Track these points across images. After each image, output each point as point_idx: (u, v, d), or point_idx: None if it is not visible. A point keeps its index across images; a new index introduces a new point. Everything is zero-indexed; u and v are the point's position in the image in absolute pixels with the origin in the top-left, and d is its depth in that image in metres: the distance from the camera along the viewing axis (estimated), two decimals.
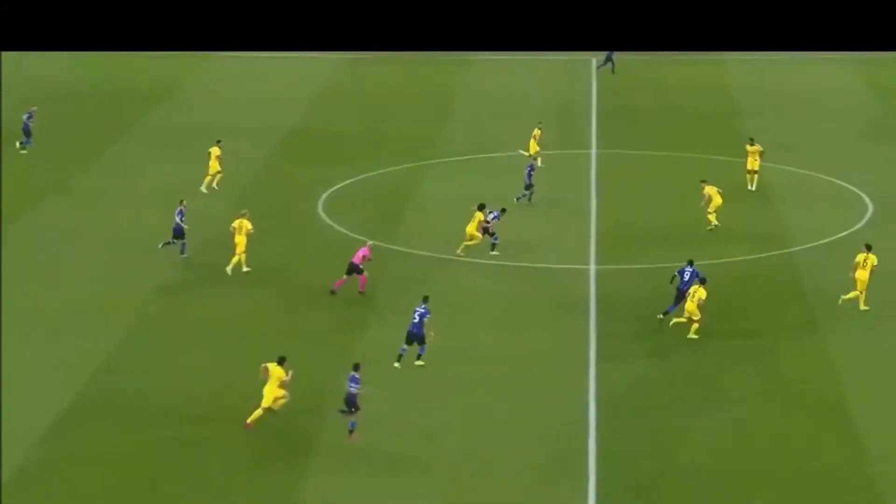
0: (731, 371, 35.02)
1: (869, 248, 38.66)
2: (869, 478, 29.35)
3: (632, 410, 32.79)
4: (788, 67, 73.07)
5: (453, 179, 52.66)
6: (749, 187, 50.52)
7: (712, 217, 45.80)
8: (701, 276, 37.60)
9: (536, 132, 53.35)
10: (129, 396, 33.32)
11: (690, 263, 38.40)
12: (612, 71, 71.36)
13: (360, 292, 39.77)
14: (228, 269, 41.38)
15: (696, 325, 36.18)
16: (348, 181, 52.22)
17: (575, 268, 42.44)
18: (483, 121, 62.34)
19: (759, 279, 41.63)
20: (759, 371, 34.94)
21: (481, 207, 43.46)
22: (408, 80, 71.67)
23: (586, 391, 33.79)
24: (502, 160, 55.68)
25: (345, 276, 39.89)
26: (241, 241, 41.50)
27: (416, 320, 34.87)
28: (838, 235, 45.52)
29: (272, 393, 31.36)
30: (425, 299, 35.50)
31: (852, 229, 46.14)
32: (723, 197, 46.11)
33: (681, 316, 37.17)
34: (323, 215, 48.47)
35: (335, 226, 47.12)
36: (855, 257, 38.47)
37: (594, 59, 76.41)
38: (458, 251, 43.02)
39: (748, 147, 51.26)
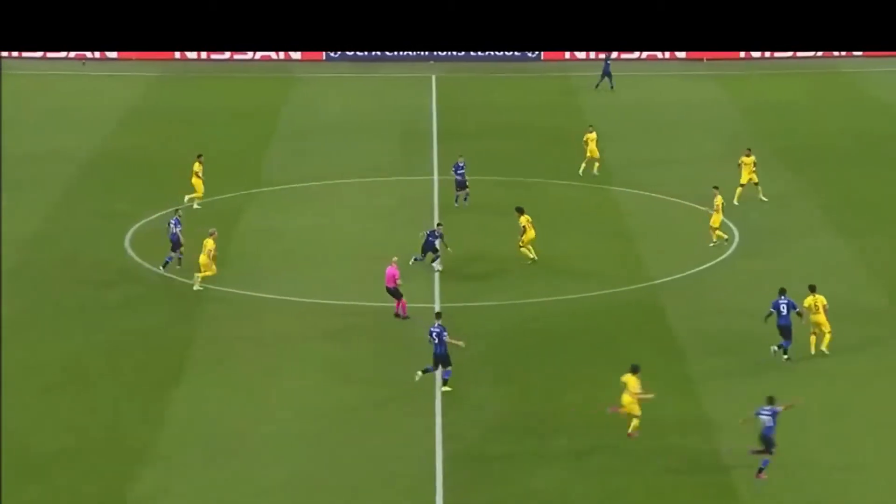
0: (589, 412, 34.47)
1: (813, 290, 38.37)
2: None
3: (478, 462, 32.01)
4: (646, 83, 73.74)
5: (280, 208, 51.54)
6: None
7: (719, 233, 46.76)
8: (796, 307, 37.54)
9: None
10: None
11: (783, 293, 37.85)
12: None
13: (403, 316, 40.56)
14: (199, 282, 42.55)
15: (636, 422, 33.70)
16: (160, 212, 50.65)
17: (418, 306, 41.58)
18: (312, 143, 61.44)
19: (619, 313, 41.30)
20: (614, 417, 34.42)
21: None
22: (228, 98, 70.85)
23: (433, 444, 32.91)
24: (334, 186, 54.83)
25: (396, 302, 40.71)
26: (203, 260, 42.62)
27: (437, 341, 35.35)
28: (705, 266, 45.52)
29: None
30: (438, 315, 36.34)
31: (719, 259, 46.21)
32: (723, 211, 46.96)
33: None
34: (130, 251, 46.91)
35: (143, 263, 45.60)
36: (804, 302, 38.10)
37: (433, 75, 76.43)
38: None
39: (744, 158, 51.93)
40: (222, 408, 35.00)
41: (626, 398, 33.45)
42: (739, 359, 37.86)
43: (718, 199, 47.24)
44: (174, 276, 43.99)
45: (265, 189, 53.50)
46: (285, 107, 69.19)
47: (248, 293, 43.03)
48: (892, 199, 52.76)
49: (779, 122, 64.46)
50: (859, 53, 79.70)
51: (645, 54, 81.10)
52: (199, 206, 51.18)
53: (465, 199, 51.48)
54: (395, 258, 41.59)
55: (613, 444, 33.00)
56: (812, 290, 38.40)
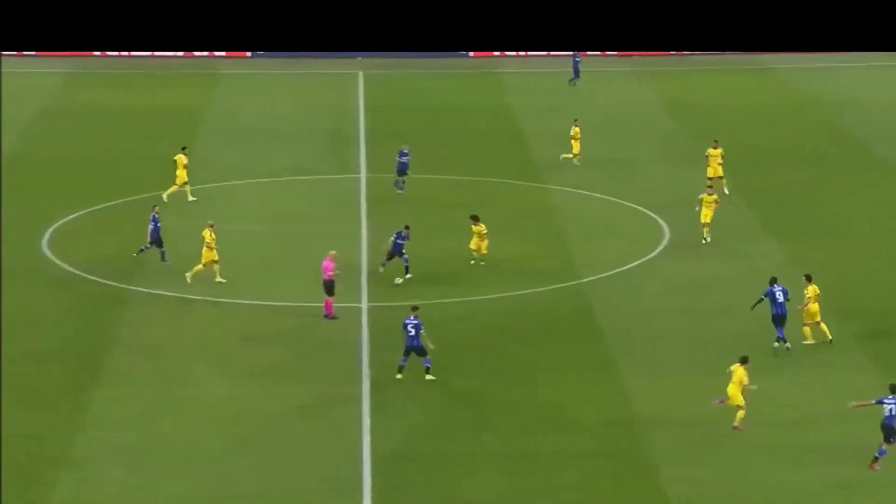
0: (516, 413, 34.75)
1: (809, 279, 38.82)
2: None
3: (408, 463, 32.17)
4: (581, 82, 74.02)
5: (202, 208, 51.41)
6: (724, 192, 52.05)
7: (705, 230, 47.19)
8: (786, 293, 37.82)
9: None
10: None
11: (774, 282, 38.33)
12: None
13: (330, 316, 40.73)
14: (218, 278, 43.24)
15: (741, 413, 33.65)
16: (77, 213, 50.44)
17: (344, 306, 41.71)
18: (236, 142, 61.36)
19: (547, 312, 41.61)
20: (547, 413, 34.71)
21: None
22: (146, 97, 70.41)
23: (360, 448, 33.03)
24: (257, 186, 54.82)
25: (325, 300, 40.62)
26: (205, 252, 43.38)
27: (412, 333, 36.18)
28: (634, 263, 45.96)
29: None
30: (414, 308, 36.74)
31: (649, 256, 46.68)
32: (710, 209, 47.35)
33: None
34: (47, 252, 46.68)
35: (63, 265, 45.40)
36: (807, 291, 38.55)
37: (361, 72, 76.46)
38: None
39: (710, 150, 52.72)
40: (141, 414, 34.93)
41: (732, 389, 33.51)
42: (668, 357, 38.27)
43: (711, 198, 47.50)
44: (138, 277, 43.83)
45: (186, 188, 53.30)
46: (208, 104, 69.02)
47: (170, 294, 42.97)
48: (822, 196, 53.40)
49: (709, 121, 64.92)
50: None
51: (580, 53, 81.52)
52: (194, 199, 52.07)
53: (401, 186, 52.67)
54: (332, 251, 41.67)
55: (544, 444, 33.30)
56: (808, 279, 38.75)
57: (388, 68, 77.96)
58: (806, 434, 33.60)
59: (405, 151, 53.53)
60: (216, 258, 43.54)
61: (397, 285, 43.36)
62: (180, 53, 79.87)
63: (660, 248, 47.54)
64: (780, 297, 38.06)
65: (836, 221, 50.49)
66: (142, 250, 45.36)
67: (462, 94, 72.39)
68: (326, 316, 41.05)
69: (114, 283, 43.44)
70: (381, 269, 44.20)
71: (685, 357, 38.25)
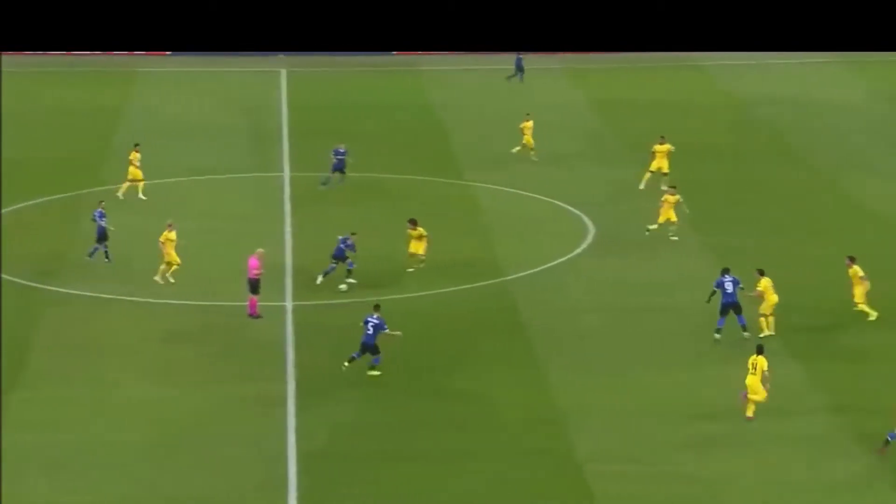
0: (443, 411, 35.06)
1: (762, 273, 39.39)
2: None
3: (333, 462, 32.41)
4: (502, 82, 74.35)
5: (122, 207, 51.25)
6: (642, 186, 53.04)
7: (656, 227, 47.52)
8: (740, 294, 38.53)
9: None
10: None
11: (726, 272, 39.04)
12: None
13: (254, 315, 40.68)
14: (167, 277, 43.09)
15: (752, 406, 34.32)
16: None
17: (269, 305, 41.82)
18: (156, 140, 61.13)
19: (472, 311, 41.92)
20: (473, 411, 35.05)
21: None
22: (63, 96, 69.91)
23: (285, 447, 33.21)
24: (179, 185, 54.73)
25: (249, 299, 40.63)
26: (169, 251, 43.47)
27: (371, 331, 36.39)
28: (559, 261, 46.36)
29: None
30: (377, 307, 36.83)
31: (573, 254, 47.10)
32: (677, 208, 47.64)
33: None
34: None
35: None
36: (758, 285, 39.15)
37: (283, 70, 76.35)
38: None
39: (657, 146, 53.19)
40: (61, 416, 34.82)
41: (752, 380, 33.99)
42: (593, 354, 38.67)
43: (674, 198, 48.01)
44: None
45: (105, 188, 53.16)
46: (127, 102, 68.72)
47: (89, 294, 42.86)
48: (747, 194, 54.03)
49: (633, 119, 65.37)
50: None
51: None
52: (144, 197, 52.14)
53: (326, 183, 53.29)
54: (260, 249, 41.74)
55: (471, 441, 33.56)
56: (761, 273, 39.38)
57: (311, 66, 77.78)
58: (731, 426, 34.09)
59: (341, 150, 53.99)
60: (177, 260, 43.52)
61: (343, 291, 43.03)
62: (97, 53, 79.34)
63: (584, 246, 47.95)
64: (729, 287, 38.74)
65: (757, 214, 51.07)
66: (94, 251, 45.13)
67: (385, 92, 72.46)
68: (251, 315, 41.14)
69: (35, 284, 43.26)
70: (321, 280, 43.41)
71: (610, 354, 38.65)
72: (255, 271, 41.04)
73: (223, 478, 31.79)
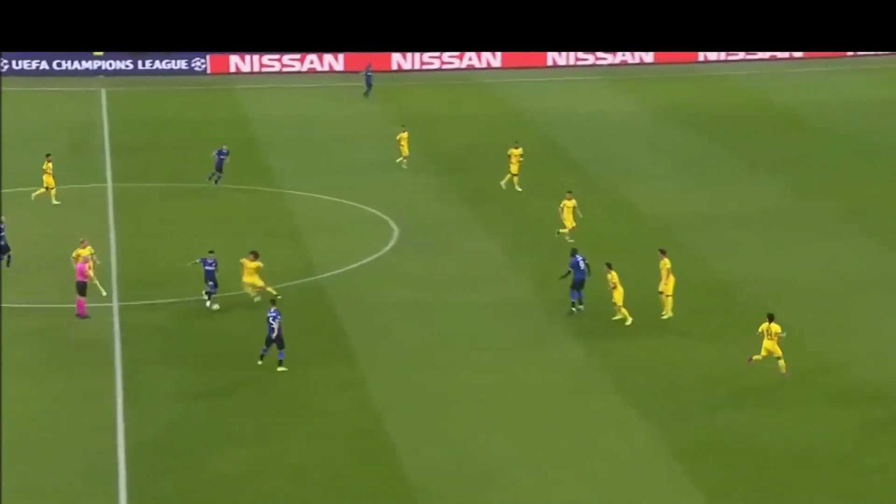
0: (259, 407, 34.34)
1: (610, 267, 39.20)
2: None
3: (162, 453, 31.46)
4: (307, 96, 73.81)
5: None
6: (515, 187, 53.38)
7: (564, 230, 47.06)
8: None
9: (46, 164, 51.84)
10: None
11: (575, 252, 40.23)
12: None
13: (83, 316, 39.50)
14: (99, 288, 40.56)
15: (781, 362, 34.93)
16: None
17: (96, 306, 40.52)
18: None
19: (289, 308, 41.18)
20: (290, 404, 34.42)
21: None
22: None
23: (114, 440, 32.11)
24: (7, 196, 52.89)
25: (77, 300, 39.27)
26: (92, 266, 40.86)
27: (273, 325, 35.62)
28: (367, 260, 46.00)
29: None
30: (273, 302, 36.58)
31: (380, 254, 46.79)
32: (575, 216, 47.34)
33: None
34: None
35: None
36: (608, 279, 39.08)
37: (103, 89, 74.92)
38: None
39: (512, 150, 53.80)
40: None
41: (769, 343, 34.82)
42: (402, 347, 38.26)
43: (571, 203, 47.50)
44: None
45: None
46: None
47: None
48: (527, 196, 54.09)
49: (428, 131, 65.29)
50: (497, 65, 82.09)
51: (306, 66, 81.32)
52: (57, 202, 51.52)
53: (217, 180, 54.10)
54: (85, 254, 40.53)
55: (293, 426, 32.99)
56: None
57: (129, 86, 76.48)
58: (526, 409, 34.04)
59: (224, 150, 54.67)
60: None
61: (214, 311, 40.84)
62: None
63: (389, 246, 47.66)
64: (581, 265, 39.79)
65: (542, 218, 51.27)
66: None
67: (200, 109, 71.44)
68: (79, 315, 39.85)
69: None
70: (216, 306, 40.71)
71: (416, 346, 38.33)
72: (83, 275, 39.79)
73: (54, 472, 30.72)
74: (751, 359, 35.03)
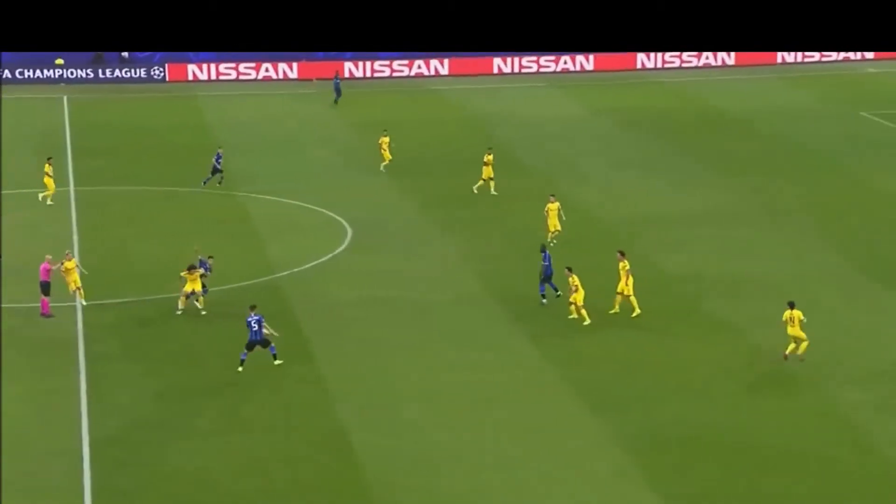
0: (212, 400, 33.79)
1: (570, 270, 38.67)
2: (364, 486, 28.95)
3: (124, 449, 30.89)
4: (263, 101, 73.24)
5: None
6: (491, 191, 53.11)
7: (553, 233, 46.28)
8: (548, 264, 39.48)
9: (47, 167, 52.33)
10: None
11: (545, 248, 40.74)
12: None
13: (47, 315, 38.79)
14: (81, 301, 39.70)
15: (804, 344, 35.22)
16: None
17: (60, 305, 39.81)
18: None
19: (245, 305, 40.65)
20: (250, 398, 33.89)
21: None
22: None
23: (79, 435, 31.46)
24: None
25: (42, 300, 38.45)
26: (73, 278, 39.82)
27: (255, 328, 34.89)
28: (322, 259, 45.52)
29: None
30: (252, 307, 35.33)
31: (335, 253, 46.32)
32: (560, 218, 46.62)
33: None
34: None
35: None
36: (569, 282, 38.55)
37: (65, 96, 74.13)
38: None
39: (487, 157, 53.52)
40: None
41: (794, 330, 35.02)
42: (358, 344, 37.77)
43: (555, 205, 46.82)
44: None
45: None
46: None
47: None
48: (479, 197, 53.91)
49: (381, 136, 64.86)
50: (445, 72, 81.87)
51: (262, 75, 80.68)
52: (51, 203, 51.17)
53: (220, 181, 53.89)
54: (48, 256, 39.93)
55: (252, 420, 32.51)
56: (570, 270, 38.77)
57: (90, 93, 75.64)
58: (480, 404, 33.67)
59: (220, 154, 54.31)
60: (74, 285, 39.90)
61: (204, 314, 40.02)
62: None
63: (344, 246, 47.20)
64: (546, 260, 39.74)
65: (500, 218, 50.98)
66: None
67: (161, 115, 70.76)
68: (43, 314, 39.11)
69: None
70: (201, 310, 39.86)
71: (371, 341, 37.89)
72: (47, 274, 39.11)
73: (22, 465, 29.97)
74: (786, 356, 35.06)
